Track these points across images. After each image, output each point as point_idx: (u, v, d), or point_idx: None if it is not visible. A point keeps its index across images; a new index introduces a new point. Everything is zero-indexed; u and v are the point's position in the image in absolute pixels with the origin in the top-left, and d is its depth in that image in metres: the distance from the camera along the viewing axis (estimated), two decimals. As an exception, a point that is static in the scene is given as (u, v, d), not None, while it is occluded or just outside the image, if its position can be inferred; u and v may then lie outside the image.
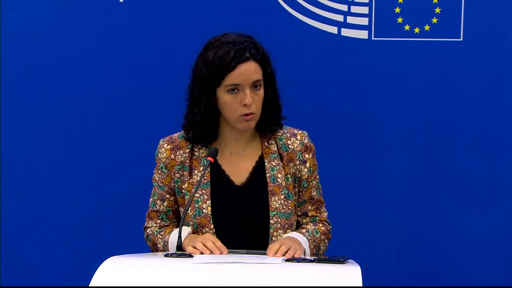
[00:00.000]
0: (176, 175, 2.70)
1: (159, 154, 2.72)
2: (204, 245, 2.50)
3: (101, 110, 3.60)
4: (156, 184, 2.74)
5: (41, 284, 3.62)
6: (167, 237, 2.68)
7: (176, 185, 2.70)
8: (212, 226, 2.64)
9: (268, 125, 2.71)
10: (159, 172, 2.72)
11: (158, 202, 2.74)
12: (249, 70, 2.60)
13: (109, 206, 3.61)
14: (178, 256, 2.39)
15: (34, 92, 3.63)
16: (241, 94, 2.61)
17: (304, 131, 2.76)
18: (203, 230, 2.64)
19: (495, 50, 3.49)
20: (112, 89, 3.61)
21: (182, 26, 3.58)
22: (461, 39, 3.50)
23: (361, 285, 2.14)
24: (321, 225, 2.75)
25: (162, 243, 2.69)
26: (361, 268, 2.25)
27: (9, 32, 3.63)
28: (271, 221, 2.64)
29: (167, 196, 2.73)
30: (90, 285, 2.13)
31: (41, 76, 3.63)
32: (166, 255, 2.39)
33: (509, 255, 3.52)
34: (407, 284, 3.51)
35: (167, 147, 2.71)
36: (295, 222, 2.72)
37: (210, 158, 2.61)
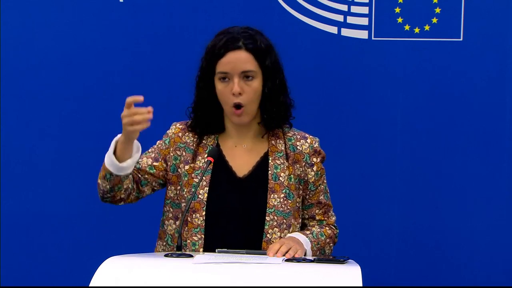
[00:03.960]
0: (177, 152, 2.70)
1: (169, 130, 2.74)
2: (131, 120, 2.48)
3: (101, 110, 3.60)
4: (153, 147, 2.73)
5: (41, 284, 3.61)
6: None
7: (175, 162, 2.69)
8: (203, 213, 2.62)
9: (271, 120, 2.69)
10: (162, 142, 2.73)
11: (144, 158, 2.69)
12: (238, 59, 2.60)
13: (109, 206, 3.60)
14: (178, 256, 2.38)
15: (34, 92, 3.63)
16: (231, 83, 2.61)
17: (316, 137, 2.76)
18: (194, 215, 2.62)
19: (495, 50, 3.49)
20: (112, 89, 3.61)
21: (182, 26, 3.58)
22: (461, 39, 3.50)
23: (361, 285, 2.14)
24: (327, 228, 2.74)
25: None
26: (361, 268, 2.25)
27: (9, 32, 3.63)
28: (267, 218, 2.63)
29: (155, 162, 2.68)
30: (90, 285, 2.13)
31: (41, 76, 3.63)
32: (166, 255, 2.39)
33: (510, 255, 3.52)
34: (407, 284, 3.51)
35: (179, 126, 2.73)
36: (297, 224, 2.71)
37: (210, 158, 2.61)
